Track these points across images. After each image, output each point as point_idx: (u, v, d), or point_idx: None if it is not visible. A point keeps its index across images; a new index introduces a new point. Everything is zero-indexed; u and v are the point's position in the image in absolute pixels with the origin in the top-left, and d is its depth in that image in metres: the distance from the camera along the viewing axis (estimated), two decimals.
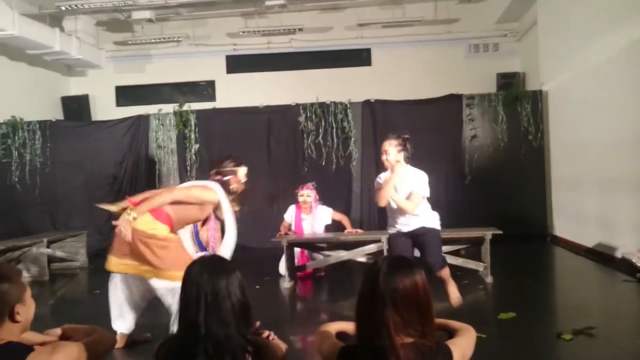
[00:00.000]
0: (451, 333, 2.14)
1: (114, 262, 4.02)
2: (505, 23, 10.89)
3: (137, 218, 3.86)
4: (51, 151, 9.48)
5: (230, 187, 4.25)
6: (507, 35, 11.02)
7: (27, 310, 2.05)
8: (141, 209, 3.89)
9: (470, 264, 6.16)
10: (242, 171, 4.38)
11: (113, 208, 4.16)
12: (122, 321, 4.09)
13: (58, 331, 2.30)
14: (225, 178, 4.23)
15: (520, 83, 10.33)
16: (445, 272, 4.69)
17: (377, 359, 1.84)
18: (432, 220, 4.74)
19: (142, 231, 3.91)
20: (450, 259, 6.18)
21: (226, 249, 4.20)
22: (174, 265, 3.76)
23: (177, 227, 4.20)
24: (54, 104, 11.30)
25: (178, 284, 2.08)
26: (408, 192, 4.61)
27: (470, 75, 10.74)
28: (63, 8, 9.71)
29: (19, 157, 9.42)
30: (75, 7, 9.67)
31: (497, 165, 9.10)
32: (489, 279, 6.01)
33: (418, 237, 4.65)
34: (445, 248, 6.36)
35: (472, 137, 9.20)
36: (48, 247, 7.52)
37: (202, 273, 2.01)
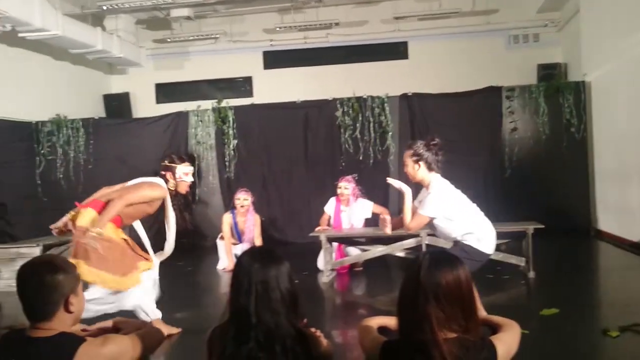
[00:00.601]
0: (495, 328, 2.11)
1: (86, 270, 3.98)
2: (546, 12, 10.65)
3: (102, 232, 3.89)
4: (94, 148, 9.70)
5: (168, 184, 4.33)
6: (547, 25, 10.78)
7: (79, 301, 2.11)
8: (102, 222, 3.95)
9: (511, 259, 6.06)
10: (180, 169, 4.37)
11: (65, 219, 4.22)
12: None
13: (109, 323, 2.36)
14: (162, 172, 4.34)
15: (561, 74, 10.11)
16: None
17: (420, 354, 1.84)
18: (467, 236, 3.93)
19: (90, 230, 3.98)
20: (493, 255, 6.11)
21: (168, 247, 4.44)
22: (116, 266, 3.85)
23: (128, 222, 4.33)
24: (96, 101, 11.56)
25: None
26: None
27: (510, 67, 10.55)
28: (104, 7, 9.91)
29: (64, 154, 9.67)
30: (116, 6, 9.86)
31: (538, 158, 8.93)
32: (531, 274, 5.91)
33: None
34: None
35: (512, 130, 9.05)
36: None
37: (253, 263, 2.05)
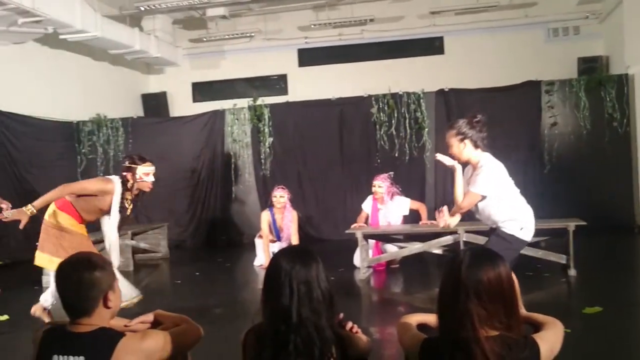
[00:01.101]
0: (537, 327, 2.07)
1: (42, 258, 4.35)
2: (587, 4, 10.40)
3: (34, 211, 4.13)
4: (133, 147, 9.87)
5: (128, 184, 4.41)
6: (588, 17, 10.52)
7: (116, 297, 2.15)
8: (37, 202, 4.17)
9: (552, 257, 5.95)
10: (141, 169, 4.43)
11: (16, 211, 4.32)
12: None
13: (150, 316, 2.39)
14: (129, 174, 4.41)
15: (603, 67, 9.86)
16: None
17: (461, 351, 1.82)
18: (504, 225, 3.78)
19: (49, 222, 4.34)
20: (530, 251, 6.00)
21: (113, 253, 4.48)
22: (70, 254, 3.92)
23: (88, 217, 4.50)
24: (135, 101, 11.77)
25: None
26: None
27: (549, 61, 10.33)
28: (142, 8, 10.09)
29: (104, 153, 9.88)
30: (153, 7, 10.03)
31: (579, 153, 8.74)
32: (572, 272, 5.79)
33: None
34: None
35: (552, 125, 8.87)
36: (132, 238, 7.84)
37: (294, 263, 2.03)
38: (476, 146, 3.77)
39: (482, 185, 3.68)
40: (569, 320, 3.74)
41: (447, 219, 3.88)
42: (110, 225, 4.48)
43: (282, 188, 7.39)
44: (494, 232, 3.83)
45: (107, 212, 4.44)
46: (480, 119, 3.80)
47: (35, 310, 4.44)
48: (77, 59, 10.12)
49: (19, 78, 8.82)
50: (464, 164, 3.87)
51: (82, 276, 2.04)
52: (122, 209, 4.46)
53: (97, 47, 9.96)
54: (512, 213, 3.75)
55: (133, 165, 4.41)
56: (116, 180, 4.40)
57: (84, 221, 4.47)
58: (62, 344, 2.04)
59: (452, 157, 3.85)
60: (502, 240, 3.71)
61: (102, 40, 9.43)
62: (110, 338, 2.03)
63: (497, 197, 3.73)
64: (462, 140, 3.76)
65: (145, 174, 4.45)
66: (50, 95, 9.41)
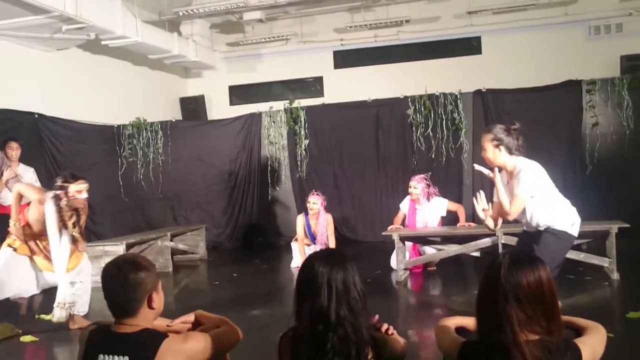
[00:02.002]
0: (579, 331, 2.04)
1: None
2: (630, 1, 10.13)
3: (16, 223, 4.70)
4: (172, 149, 10.06)
5: (61, 202, 4.58)
6: (632, 14, 10.23)
7: (160, 298, 2.21)
8: (12, 214, 4.74)
9: (594, 259, 5.81)
10: (73, 188, 4.61)
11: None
12: None
13: (191, 317, 2.44)
14: (55, 192, 4.60)
15: None
16: None
17: (500, 355, 1.80)
18: (554, 223, 3.74)
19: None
20: (572, 254, 5.88)
21: (57, 266, 4.65)
22: None
23: (37, 226, 4.75)
24: (173, 104, 11.97)
25: None
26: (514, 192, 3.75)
27: (591, 60, 10.09)
28: (181, 13, 10.26)
29: (143, 155, 10.07)
30: (191, 12, 10.20)
31: (622, 154, 8.51)
32: (615, 276, 5.65)
33: (532, 239, 3.84)
34: None
35: (594, 125, 8.66)
36: (171, 240, 7.98)
37: (331, 264, 2.06)
38: (511, 153, 3.76)
39: (526, 186, 3.62)
40: (611, 325, 3.68)
41: (491, 225, 3.80)
42: (51, 242, 4.65)
43: (317, 194, 7.44)
44: (543, 232, 3.75)
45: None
46: (518, 127, 3.80)
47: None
48: (117, 64, 10.35)
49: (62, 83, 9.08)
50: (498, 169, 3.80)
51: (127, 277, 2.10)
52: (64, 226, 4.67)
53: (137, 52, 10.17)
54: (561, 211, 3.72)
55: (65, 184, 4.61)
56: (49, 193, 4.64)
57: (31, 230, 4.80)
58: (107, 343, 2.10)
59: (486, 160, 3.85)
60: (555, 238, 3.68)
61: (142, 46, 9.62)
62: (153, 339, 2.08)
63: (542, 198, 3.69)
64: (497, 146, 3.75)
65: (78, 191, 4.65)
66: (92, 100, 9.66)
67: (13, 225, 4.71)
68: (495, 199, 3.82)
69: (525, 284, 1.82)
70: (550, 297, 1.85)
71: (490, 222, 3.76)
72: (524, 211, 3.76)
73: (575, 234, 3.77)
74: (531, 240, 3.80)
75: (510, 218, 3.72)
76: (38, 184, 6.83)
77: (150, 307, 2.15)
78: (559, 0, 10.44)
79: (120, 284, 2.11)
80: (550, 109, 8.66)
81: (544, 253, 3.57)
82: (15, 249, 4.70)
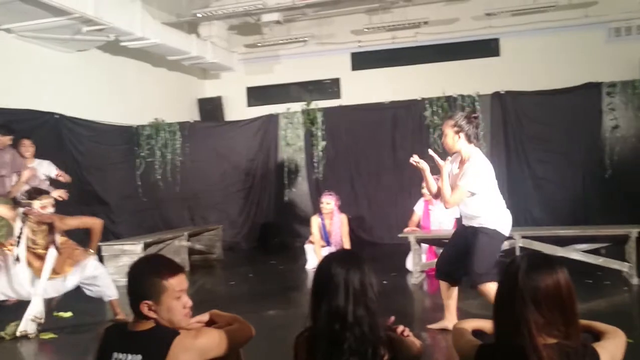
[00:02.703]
0: (597, 336, 2.02)
1: None
2: None
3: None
4: (189, 150, 10.12)
5: (29, 217, 4.71)
6: None
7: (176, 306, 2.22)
8: None
9: (613, 264, 5.76)
10: (37, 204, 4.70)
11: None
12: None
13: (206, 317, 2.46)
14: (21, 209, 4.73)
15: None
16: (487, 288, 3.82)
17: (518, 359, 1.79)
18: (487, 220, 3.94)
19: None
20: (590, 258, 5.84)
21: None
22: None
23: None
24: (191, 105, 12.05)
25: None
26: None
27: (611, 62, 9.97)
28: (199, 15, 10.33)
29: (161, 156, 10.14)
30: (210, 14, 10.27)
31: None
32: (635, 280, 5.59)
33: (468, 237, 4.03)
34: (583, 246, 6.04)
35: (613, 128, 8.55)
36: (188, 240, 8.03)
37: (348, 265, 2.07)
38: (469, 141, 3.95)
39: (473, 181, 3.86)
40: (631, 330, 3.62)
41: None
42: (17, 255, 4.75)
43: (330, 194, 7.45)
44: (478, 233, 3.94)
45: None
46: (478, 115, 4.10)
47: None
48: (136, 65, 10.45)
49: (82, 84, 9.18)
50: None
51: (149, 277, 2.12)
52: (33, 243, 4.76)
53: (155, 53, 10.25)
54: (496, 209, 3.96)
55: (29, 201, 4.71)
56: (20, 211, 4.76)
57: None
58: (122, 342, 2.12)
59: (445, 146, 4.07)
60: (489, 238, 3.90)
61: (160, 47, 9.70)
62: (165, 336, 2.09)
63: (483, 195, 3.91)
64: (457, 132, 3.93)
65: (42, 207, 4.73)
66: (111, 101, 9.75)
67: None
68: (439, 184, 4.05)
69: (543, 287, 1.81)
70: (569, 300, 1.83)
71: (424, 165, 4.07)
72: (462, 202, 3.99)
73: (506, 233, 3.99)
74: (467, 239, 4.01)
75: (448, 207, 4.03)
76: (56, 172, 6.88)
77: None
78: (578, 2, 10.34)
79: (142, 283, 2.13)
80: (570, 112, 8.58)
81: (479, 255, 3.88)
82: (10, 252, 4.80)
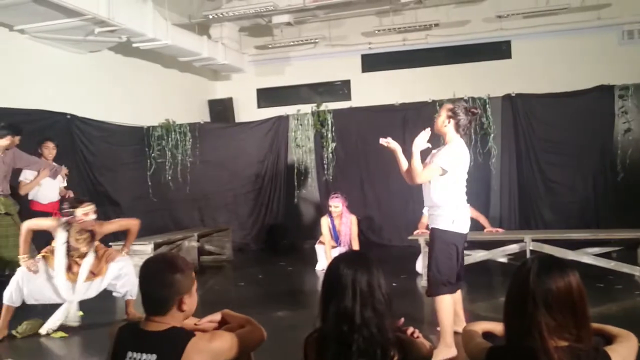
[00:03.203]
0: (609, 339, 2.01)
1: None
2: None
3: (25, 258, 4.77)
4: (200, 151, 10.15)
5: (72, 226, 4.77)
6: None
7: (192, 301, 2.24)
8: (21, 249, 4.79)
9: (624, 268, 5.72)
10: (79, 212, 4.80)
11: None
12: None
13: (218, 316, 2.47)
14: (64, 218, 4.82)
15: None
16: (439, 301, 3.82)
17: None
18: (443, 217, 3.91)
19: None
20: (602, 262, 5.80)
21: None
22: None
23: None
24: (202, 107, 12.10)
25: None
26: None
27: (624, 64, 9.90)
28: (210, 16, 10.38)
29: (172, 157, 10.18)
30: (221, 15, 10.31)
31: None
32: None
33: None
34: (594, 250, 6.01)
35: (626, 131, 8.48)
36: (198, 241, 8.05)
37: (356, 266, 2.07)
38: (457, 130, 4.00)
39: (447, 159, 3.89)
40: None
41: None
42: (56, 264, 4.81)
43: (337, 197, 7.45)
44: (434, 236, 3.96)
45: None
46: (478, 113, 4.12)
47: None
48: (148, 66, 10.50)
49: (94, 85, 9.24)
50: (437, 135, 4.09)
51: (163, 275, 2.14)
52: (70, 249, 4.81)
53: (167, 54, 10.30)
54: (447, 200, 3.90)
55: (71, 209, 4.80)
56: (62, 221, 4.83)
57: None
58: (136, 341, 2.13)
59: (435, 124, 4.12)
60: (438, 241, 3.89)
61: (172, 48, 9.74)
62: (181, 337, 2.11)
63: (446, 179, 3.89)
64: (449, 117, 3.99)
65: (85, 214, 4.81)
66: (122, 101, 9.81)
67: (23, 262, 4.75)
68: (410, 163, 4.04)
69: (554, 290, 1.80)
70: (580, 303, 1.83)
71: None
72: (428, 185, 3.99)
73: (460, 230, 3.93)
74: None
75: (417, 181, 3.96)
76: (64, 184, 6.98)
77: (180, 309, 2.18)
78: (591, 4, 10.28)
79: (155, 282, 2.15)
80: (581, 115, 8.53)
81: (435, 261, 3.89)
82: (43, 257, 4.84)
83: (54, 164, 6.82)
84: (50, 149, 6.88)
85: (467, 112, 3.99)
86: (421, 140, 3.97)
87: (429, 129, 4.04)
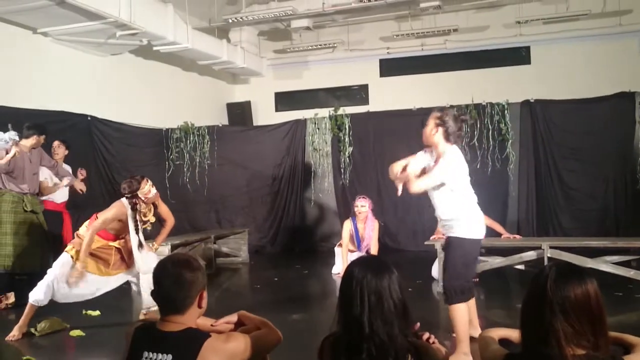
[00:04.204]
0: (627, 348, 1.99)
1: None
2: None
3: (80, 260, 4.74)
4: (218, 154, 10.21)
5: (140, 206, 4.91)
6: None
7: (205, 298, 2.26)
8: (81, 258, 4.73)
9: None
10: (141, 192, 4.90)
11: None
12: None
13: (234, 317, 2.49)
14: (134, 200, 4.89)
15: None
16: (455, 310, 3.78)
17: None
18: (461, 227, 3.84)
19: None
20: (621, 271, 5.74)
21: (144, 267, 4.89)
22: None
23: (117, 234, 5.03)
24: (220, 110, 12.18)
25: None
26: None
27: None
28: (230, 20, 10.46)
29: (190, 159, 10.26)
30: (240, 19, 10.39)
31: None
32: None
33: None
34: (613, 258, 5.93)
35: None
36: (215, 242, 8.10)
37: (366, 273, 2.05)
38: (447, 139, 3.86)
39: (443, 170, 3.78)
40: None
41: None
42: (133, 245, 4.92)
43: (364, 198, 7.42)
44: (452, 243, 3.88)
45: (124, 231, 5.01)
46: (466, 119, 4.00)
47: None
48: (168, 69, 10.61)
49: (115, 87, 9.36)
50: (429, 147, 4.00)
51: (183, 275, 2.16)
52: (137, 228, 4.91)
53: (186, 58, 10.40)
54: (460, 211, 3.83)
55: (133, 193, 4.88)
56: (124, 201, 4.90)
57: (116, 237, 5.05)
58: (152, 341, 2.15)
59: (423, 135, 3.99)
60: (455, 249, 3.83)
61: (192, 52, 9.83)
62: (196, 338, 2.12)
63: (450, 190, 3.81)
64: (438, 126, 3.86)
65: (146, 193, 4.93)
66: (142, 103, 9.92)
67: (81, 262, 4.75)
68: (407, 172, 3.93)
69: (572, 297, 1.79)
70: (598, 310, 1.81)
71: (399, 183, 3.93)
72: (435, 199, 3.91)
73: (477, 236, 3.87)
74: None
75: (412, 190, 3.82)
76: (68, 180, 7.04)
77: (199, 305, 2.21)
78: (612, 10, 10.19)
79: (176, 281, 2.16)
80: (601, 121, 8.45)
81: (453, 268, 3.83)
82: (72, 257, 4.83)
83: (67, 170, 6.89)
84: (60, 149, 6.96)
85: (456, 120, 3.87)
86: (421, 155, 4.01)
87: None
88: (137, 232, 4.88)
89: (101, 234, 4.91)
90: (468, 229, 3.82)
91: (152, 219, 5.09)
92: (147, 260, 5.01)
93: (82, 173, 6.98)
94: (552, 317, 1.78)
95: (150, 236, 5.55)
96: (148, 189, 4.92)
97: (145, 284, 4.99)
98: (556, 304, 1.79)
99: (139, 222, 4.91)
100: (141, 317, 4.94)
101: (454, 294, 3.80)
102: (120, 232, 5.02)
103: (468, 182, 3.93)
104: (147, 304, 4.96)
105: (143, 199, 4.88)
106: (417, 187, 3.80)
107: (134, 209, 4.86)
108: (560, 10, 10.12)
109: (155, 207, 5.17)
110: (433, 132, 3.88)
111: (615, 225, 8.14)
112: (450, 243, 3.88)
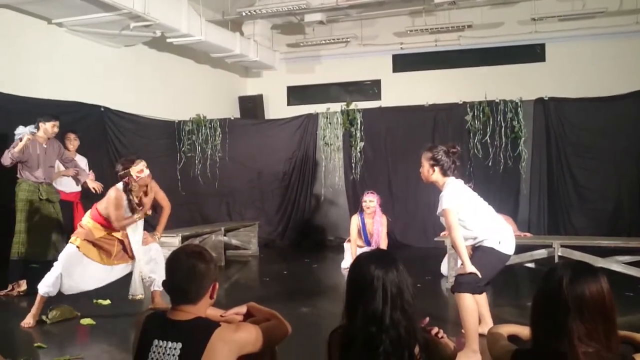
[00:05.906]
0: (637, 347, 1.98)
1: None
2: None
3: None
4: (229, 147, 10.24)
5: (131, 187, 4.91)
6: None
7: (217, 289, 2.28)
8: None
9: None
10: (133, 171, 4.88)
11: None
12: None
13: (244, 308, 2.50)
14: (127, 178, 4.89)
15: None
16: (461, 298, 3.80)
17: None
18: (486, 239, 3.92)
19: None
20: (632, 271, 5.70)
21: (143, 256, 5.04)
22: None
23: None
24: (232, 103, 12.20)
25: None
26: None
27: None
28: (243, 14, 10.46)
29: (202, 151, 10.29)
30: (254, 13, 10.39)
31: None
32: None
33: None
34: (625, 258, 5.89)
35: None
36: (225, 235, 8.12)
37: (385, 267, 2.06)
38: (445, 174, 4.00)
39: (445, 201, 3.90)
40: None
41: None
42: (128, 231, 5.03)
43: (372, 193, 7.41)
44: (476, 249, 3.99)
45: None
46: (457, 150, 4.06)
47: None
48: (180, 61, 10.63)
49: (128, 78, 9.40)
50: (430, 185, 4.14)
51: (197, 265, 2.18)
52: (132, 209, 4.98)
53: (199, 50, 10.42)
54: (486, 230, 3.92)
55: (126, 171, 4.90)
56: (118, 185, 4.94)
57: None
58: (162, 330, 2.16)
59: (422, 176, 4.14)
60: (482, 253, 3.90)
61: (205, 44, 9.85)
62: (206, 327, 2.13)
63: (467, 215, 3.92)
64: (433, 166, 4.00)
65: (139, 171, 4.92)
66: (155, 95, 9.96)
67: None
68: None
69: (588, 295, 1.79)
70: (611, 309, 1.81)
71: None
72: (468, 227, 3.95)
73: (506, 251, 3.93)
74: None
75: (449, 232, 3.96)
76: (88, 172, 7.08)
77: (211, 296, 2.23)
78: (629, 8, 10.08)
79: (189, 272, 2.18)
80: (616, 120, 8.38)
81: (473, 258, 3.89)
82: (78, 247, 4.88)
83: (84, 166, 6.94)
84: (72, 140, 7.04)
85: (447, 154, 3.98)
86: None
87: None
88: (132, 212, 4.97)
89: (103, 222, 4.94)
90: (498, 242, 3.91)
91: (148, 205, 5.11)
92: (147, 249, 5.11)
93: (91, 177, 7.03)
94: (567, 315, 1.78)
95: (151, 226, 5.58)
96: (141, 168, 4.93)
97: (137, 271, 5.08)
98: (571, 303, 1.78)
99: (133, 203, 4.96)
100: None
101: (461, 282, 3.83)
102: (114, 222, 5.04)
103: (480, 203, 4.05)
104: (133, 292, 5.06)
105: (135, 177, 4.88)
106: (453, 228, 3.87)
107: (126, 190, 4.90)
108: (577, 7, 10.03)
109: (146, 192, 5.14)
110: (430, 173, 4.03)
111: (627, 225, 8.07)
112: (480, 247, 3.96)
